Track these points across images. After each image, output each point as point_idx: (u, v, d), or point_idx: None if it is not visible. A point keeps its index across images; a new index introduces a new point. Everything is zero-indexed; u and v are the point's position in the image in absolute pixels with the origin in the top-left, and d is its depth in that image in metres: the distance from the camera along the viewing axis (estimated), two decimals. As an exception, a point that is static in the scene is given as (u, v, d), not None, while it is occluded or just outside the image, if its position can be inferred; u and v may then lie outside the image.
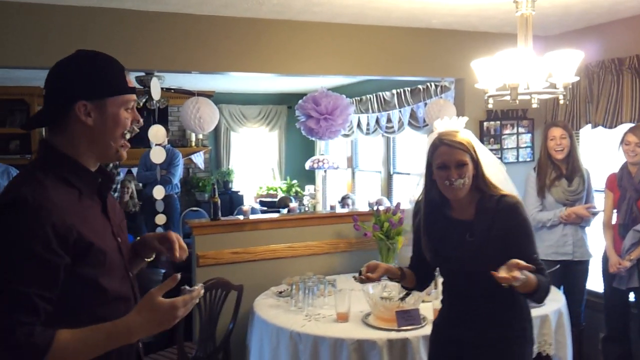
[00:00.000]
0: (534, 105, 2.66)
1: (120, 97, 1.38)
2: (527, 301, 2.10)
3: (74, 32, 3.11)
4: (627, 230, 3.34)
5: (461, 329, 2.11)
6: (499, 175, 2.17)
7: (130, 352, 1.42)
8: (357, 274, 2.15)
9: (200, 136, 7.82)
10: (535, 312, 2.88)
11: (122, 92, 1.38)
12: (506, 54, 2.46)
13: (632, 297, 3.46)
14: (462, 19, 3.69)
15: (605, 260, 3.50)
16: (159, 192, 3.68)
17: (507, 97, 2.58)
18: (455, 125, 2.12)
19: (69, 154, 1.35)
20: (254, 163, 8.68)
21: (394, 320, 2.66)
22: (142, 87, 4.89)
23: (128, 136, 1.42)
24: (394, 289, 2.93)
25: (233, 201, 7.75)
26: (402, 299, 2.72)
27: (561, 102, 2.48)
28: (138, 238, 1.64)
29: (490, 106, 2.67)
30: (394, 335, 2.59)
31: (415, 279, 2.25)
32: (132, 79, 1.42)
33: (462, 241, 2.05)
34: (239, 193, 8.10)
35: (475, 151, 2.05)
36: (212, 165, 8.31)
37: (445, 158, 2.01)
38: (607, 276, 3.50)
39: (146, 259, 1.64)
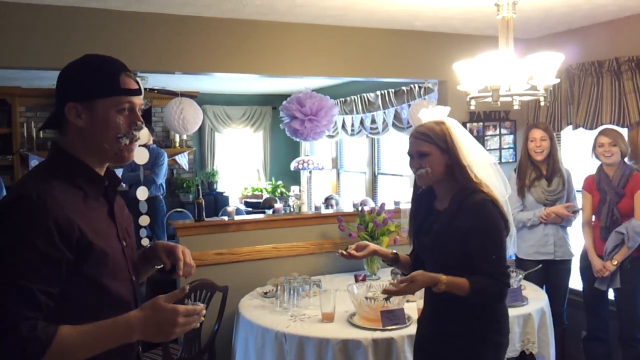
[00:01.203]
0: (515, 107, 2.70)
1: (111, 99, 1.35)
2: (502, 306, 2.09)
3: (57, 32, 3.09)
4: (609, 233, 3.38)
5: (428, 323, 2.18)
6: (486, 169, 2.15)
7: (130, 353, 1.42)
8: (343, 250, 2.22)
9: (185, 137, 7.79)
10: (519, 311, 2.95)
11: (112, 93, 1.35)
12: (487, 56, 2.49)
13: (611, 294, 3.52)
14: (444, 21, 3.72)
15: (584, 259, 3.55)
16: (142, 193, 3.66)
17: (489, 99, 2.62)
18: (438, 114, 2.14)
19: (75, 156, 1.37)
20: (238, 164, 8.66)
21: (379, 320, 2.68)
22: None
23: (126, 140, 1.38)
24: (378, 289, 2.95)
25: (218, 202, 7.73)
26: (387, 298, 2.71)
27: (542, 103, 2.52)
28: (149, 245, 1.64)
29: (472, 108, 2.70)
30: (378, 334, 2.61)
31: (411, 265, 2.28)
32: (134, 81, 1.41)
33: (430, 230, 2.10)
34: (224, 194, 8.08)
35: (448, 141, 2.04)
36: (196, 166, 8.27)
37: (410, 148, 2.10)
38: (586, 275, 3.56)
39: (156, 267, 1.63)
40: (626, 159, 3.44)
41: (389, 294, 2.03)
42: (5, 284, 1.20)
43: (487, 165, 2.17)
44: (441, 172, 2.05)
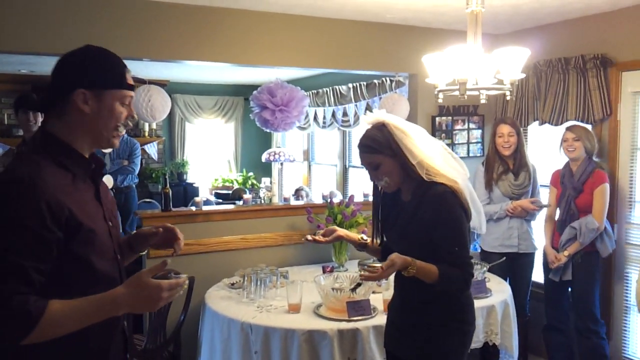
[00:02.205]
0: (482, 101, 2.73)
1: (119, 92, 1.48)
2: (468, 295, 2.12)
3: (20, 17, 2.99)
4: (565, 226, 3.47)
5: (397, 311, 2.21)
6: (438, 159, 2.11)
7: (116, 325, 1.51)
8: (311, 234, 2.26)
9: (154, 126, 7.67)
10: (483, 302, 2.99)
11: (121, 86, 1.48)
12: (456, 49, 2.51)
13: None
14: (415, 15, 3.74)
15: (545, 253, 3.63)
16: (108, 181, 3.59)
17: (457, 92, 2.64)
18: (377, 117, 2.08)
19: (64, 140, 1.44)
20: (209, 155, 8.58)
21: (345, 311, 2.69)
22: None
23: (122, 129, 1.52)
24: (345, 280, 2.96)
25: (188, 193, 7.65)
26: (353, 289, 2.75)
27: (507, 98, 2.55)
28: (134, 232, 1.74)
29: (440, 101, 2.72)
30: (344, 325, 2.62)
31: (380, 252, 2.31)
32: (130, 76, 1.53)
33: (395, 221, 2.15)
34: (193, 185, 8.00)
35: (393, 146, 2.02)
36: (166, 156, 8.17)
37: (361, 161, 2.12)
38: (546, 268, 3.64)
39: (140, 253, 1.77)
40: (594, 157, 3.51)
41: (368, 279, 2.03)
42: None
43: (438, 155, 2.12)
44: (399, 174, 2.06)
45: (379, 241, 2.30)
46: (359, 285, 2.79)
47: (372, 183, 2.21)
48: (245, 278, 3.06)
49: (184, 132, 8.34)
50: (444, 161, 2.14)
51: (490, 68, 2.56)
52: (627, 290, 3.61)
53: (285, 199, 4.02)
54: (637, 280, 3.07)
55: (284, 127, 3.51)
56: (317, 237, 2.26)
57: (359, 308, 2.72)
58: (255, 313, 2.78)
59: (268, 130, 3.81)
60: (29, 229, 1.28)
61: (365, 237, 2.35)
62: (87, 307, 1.34)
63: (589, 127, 3.62)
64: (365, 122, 2.12)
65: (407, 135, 2.04)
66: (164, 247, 1.72)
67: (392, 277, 2.17)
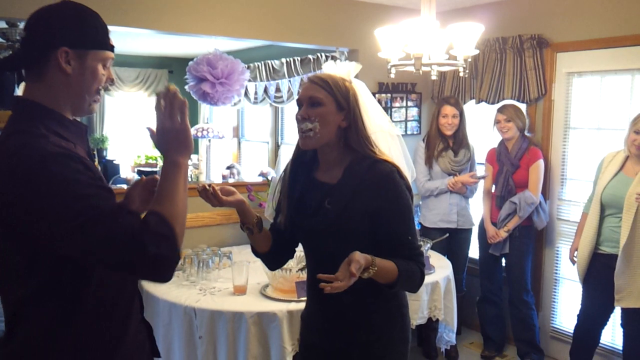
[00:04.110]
0: (433, 77, 2.69)
1: (102, 52, 1.36)
2: (401, 294, 1.78)
3: None
4: (504, 202, 3.57)
5: (323, 333, 1.78)
6: (388, 142, 1.99)
7: (135, 292, 1.45)
8: (207, 184, 1.73)
9: (70, 99, 7.15)
10: (427, 279, 2.95)
11: (104, 47, 1.37)
12: (411, 22, 2.44)
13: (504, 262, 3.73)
14: (359, -12, 3.65)
15: (483, 228, 3.73)
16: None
17: (409, 68, 2.58)
18: (346, 70, 1.84)
19: (52, 108, 1.30)
20: (130, 130, 8.13)
21: (294, 291, 2.61)
22: (4, 41, 4.30)
23: (100, 93, 1.40)
24: (292, 259, 2.86)
25: (108, 170, 7.23)
26: (302, 269, 2.67)
27: (461, 74, 2.52)
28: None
29: (392, 76, 2.65)
30: (293, 306, 2.53)
31: (270, 245, 1.86)
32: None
33: (319, 208, 1.70)
34: (114, 162, 7.57)
35: (350, 100, 1.67)
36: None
37: (301, 93, 1.70)
38: (482, 242, 3.74)
39: None
40: (526, 132, 3.61)
41: (333, 291, 1.43)
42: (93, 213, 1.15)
43: (392, 137, 2.01)
44: (331, 133, 1.66)
45: (284, 227, 1.80)
46: (308, 264, 2.71)
47: (295, 149, 1.79)
48: (186, 259, 2.89)
49: (103, 106, 7.85)
50: (394, 149, 1.99)
51: (443, 43, 2.52)
52: (557, 263, 3.77)
53: (224, 177, 3.84)
54: (575, 249, 3.21)
55: (224, 100, 3.32)
56: (216, 191, 1.70)
57: (308, 288, 2.63)
58: (198, 296, 2.64)
59: (205, 104, 3.60)
60: (88, 182, 1.19)
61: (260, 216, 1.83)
62: (172, 181, 1.28)
63: (521, 105, 3.71)
64: (331, 70, 1.81)
65: (370, 102, 1.87)
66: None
67: None
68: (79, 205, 1.14)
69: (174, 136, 1.31)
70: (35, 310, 1.25)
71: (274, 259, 1.93)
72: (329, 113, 1.65)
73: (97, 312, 1.30)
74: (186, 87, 3.39)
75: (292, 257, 1.97)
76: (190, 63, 3.20)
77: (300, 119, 1.67)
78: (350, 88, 1.70)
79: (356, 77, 4.11)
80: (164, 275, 1.21)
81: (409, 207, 1.67)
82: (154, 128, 1.34)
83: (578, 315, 3.27)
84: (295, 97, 5.57)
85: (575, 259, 3.24)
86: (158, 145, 1.33)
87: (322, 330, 1.79)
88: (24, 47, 1.32)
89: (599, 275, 3.07)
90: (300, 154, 1.79)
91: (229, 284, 2.73)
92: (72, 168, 1.18)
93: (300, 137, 1.69)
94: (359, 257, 1.48)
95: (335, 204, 1.65)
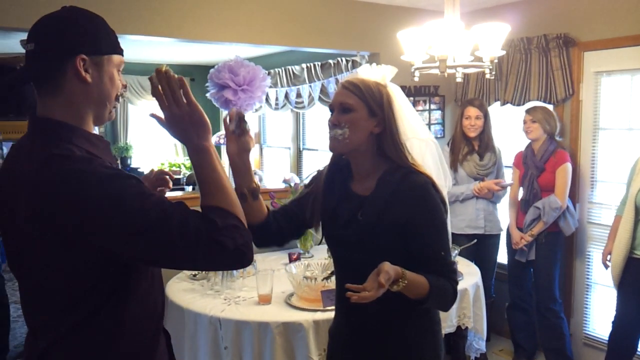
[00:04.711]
0: (458, 79, 2.63)
1: (117, 57, 1.30)
2: (434, 310, 1.72)
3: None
4: (529, 206, 3.48)
5: (349, 347, 1.75)
6: (432, 157, 1.91)
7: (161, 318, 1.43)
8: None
9: (94, 109, 7.24)
10: (455, 286, 2.93)
11: (118, 51, 1.31)
12: (434, 24, 2.39)
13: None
14: (380, -9, 3.61)
15: (510, 234, 3.64)
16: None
17: (434, 71, 2.53)
18: (381, 73, 1.77)
19: (75, 125, 1.23)
20: (154, 138, 8.19)
21: (319, 300, 2.56)
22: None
23: (120, 99, 1.35)
24: (317, 268, 2.83)
25: (132, 179, 7.29)
26: (327, 278, 2.63)
27: (487, 76, 2.47)
28: None
29: (416, 79, 2.60)
30: (319, 315, 2.48)
31: (263, 220, 1.75)
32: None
33: (351, 220, 1.66)
34: (138, 169, 7.63)
35: (384, 106, 1.63)
36: (108, 140, 7.74)
37: (333, 99, 1.67)
38: (510, 249, 3.66)
39: None
40: (557, 137, 3.52)
41: (361, 301, 1.39)
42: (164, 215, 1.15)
43: (430, 148, 1.91)
44: (361, 139, 1.61)
45: (321, 237, 1.79)
46: (333, 273, 2.65)
47: (327, 158, 1.76)
48: (210, 269, 2.87)
49: (127, 115, 7.93)
50: (430, 159, 1.91)
51: (468, 45, 2.46)
52: (588, 268, 3.67)
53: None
54: (609, 253, 3.11)
55: (246, 107, 3.28)
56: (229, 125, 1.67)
57: (334, 297, 2.55)
58: (223, 306, 2.61)
59: (226, 112, 3.57)
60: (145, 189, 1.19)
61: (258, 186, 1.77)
62: (208, 168, 1.25)
63: (550, 107, 3.62)
64: (366, 74, 1.74)
65: (407, 108, 1.77)
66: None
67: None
68: (153, 216, 1.12)
69: (187, 121, 1.24)
70: (78, 337, 1.22)
71: (261, 236, 1.77)
72: (359, 119, 1.61)
73: (133, 329, 1.28)
74: (207, 94, 3.38)
75: (294, 238, 1.96)
76: (212, 70, 3.16)
77: (331, 125, 1.64)
78: (384, 93, 1.66)
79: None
80: (246, 262, 1.21)
81: (443, 221, 1.62)
82: (160, 114, 1.28)
83: (613, 322, 3.16)
84: (316, 102, 5.54)
85: (608, 263, 3.14)
86: (174, 135, 1.27)
87: (348, 343, 1.75)
88: (35, 60, 1.23)
89: (635, 280, 2.97)
90: (335, 162, 1.76)
91: (254, 293, 2.70)
92: (129, 184, 1.15)
93: (330, 141, 1.66)
94: (389, 268, 1.43)
95: (367, 216, 1.62)
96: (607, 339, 3.22)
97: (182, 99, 1.23)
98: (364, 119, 1.61)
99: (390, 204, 1.59)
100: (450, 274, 1.61)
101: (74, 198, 1.10)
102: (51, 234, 1.13)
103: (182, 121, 1.24)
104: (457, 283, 1.64)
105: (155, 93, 1.24)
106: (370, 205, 1.62)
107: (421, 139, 1.91)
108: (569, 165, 3.41)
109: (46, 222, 1.12)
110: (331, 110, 1.68)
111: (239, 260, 1.19)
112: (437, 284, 1.55)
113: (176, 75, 1.23)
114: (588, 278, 3.67)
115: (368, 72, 1.75)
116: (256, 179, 1.82)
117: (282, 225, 1.79)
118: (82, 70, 1.22)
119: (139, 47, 6.10)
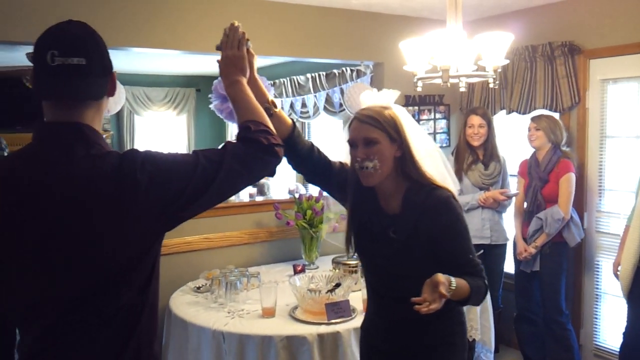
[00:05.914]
0: (462, 89, 2.61)
1: (114, 72, 1.38)
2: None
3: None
4: (532, 217, 3.44)
5: (386, 338, 1.91)
6: (434, 162, 1.92)
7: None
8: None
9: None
10: (461, 297, 2.90)
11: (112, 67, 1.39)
12: (436, 34, 2.38)
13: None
14: (382, 1, 3.60)
15: (515, 244, 3.60)
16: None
17: (436, 80, 2.51)
18: (384, 98, 1.85)
19: (98, 131, 1.32)
20: (160, 148, 8.19)
21: (323, 314, 2.53)
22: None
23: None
24: (321, 280, 2.81)
25: (138, 190, 7.29)
26: (331, 290, 2.61)
27: (491, 85, 2.44)
28: None
29: (419, 89, 2.59)
30: (324, 329, 2.46)
31: (288, 133, 1.79)
32: None
33: (384, 236, 1.80)
34: (144, 181, 7.64)
35: (399, 130, 1.75)
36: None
37: (353, 134, 1.76)
38: (516, 259, 3.61)
39: None
40: (564, 146, 3.48)
41: (431, 311, 1.51)
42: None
43: (436, 158, 1.96)
44: (390, 167, 1.74)
45: (352, 252, 1.94)
46: (337, 285, 2.65)
47: (351, 177, 1.83)
48: (213, 281, 2.85)
49: (133, 126, 7.96)
50: (440, 169, 1.94)
51: (471, 54, 2.44)
52: (597, 278, 3.62)
53: (251, 195, 3.81)
54: (619, 264, 3.06)
55: (249, 119, 3.30)
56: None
57: (339, 310, 2.56)
58: (226, 319, 2.59)
59: (232, 123, 3.57)
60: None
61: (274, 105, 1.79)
62: (243, 95, 1.56)
63: (556, 115, 3.59)
64: (369, 100, 1.83)
65: (412, 126, 1.83)
66: None
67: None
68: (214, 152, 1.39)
69: (234, 62, 1.62)
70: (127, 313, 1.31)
71: (287, 143, 1.75)
72: (385, 149, 1.73)
73: (155, 303, 1.40)
74: (211, 105, 3.38)
75: (298, 163, 1.88)
76: (215, 81, 3.16)
77: (361, 160, 1.73)
78: (394, 116, 1.77)
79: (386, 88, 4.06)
80: (279, 157, 1.46)
81: (466, 227, 1.76)
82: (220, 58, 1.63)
83: (624, 333, 3.10)
84: (322, 111, 5.54)
85: (619, 273, 3.09)
86: (222, 70, 1.61)
87: (384, 332, 1.91)
88: (87, 75, 1.24)
89: (645, 290, 2.92)
90: (358, 185, 1.82)
91: (258, 306, 2.67)
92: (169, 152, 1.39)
93: (362, 175, 1.76)
94: (443, 279, 1.54)
95: (399, 233, 1.76)
96: (618, 350, 3.16)
97: (238, 46, 1.63)
98: (387, 148, 1.74)
99: (419, 221, 1.73)
100: (480, 273, 1.75)
101: (165, 169, 1.32)
102: (168, 213, 1.28)
103: (232, 60, 1.62)
104: (486, 279, 1.76)
105: (224, 39, 1.65)
106: (401, 223, 1.77)
107: (427, 150, 1.93)
108: (572, 175, 3.37)
109: (162, 203, 1.27)
110: (352, 145, 1.77)
111: (274, 154, 1.43)
112: (474, 284, 1.69)
113: (242, 32, 1.66)
114: (597, 288, 3.62)
115: (372, 98, 1.85)
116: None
117: (312, 152, 1.86)
118: (115, 85, 1.35)
119: (145, 59, 6.14)
